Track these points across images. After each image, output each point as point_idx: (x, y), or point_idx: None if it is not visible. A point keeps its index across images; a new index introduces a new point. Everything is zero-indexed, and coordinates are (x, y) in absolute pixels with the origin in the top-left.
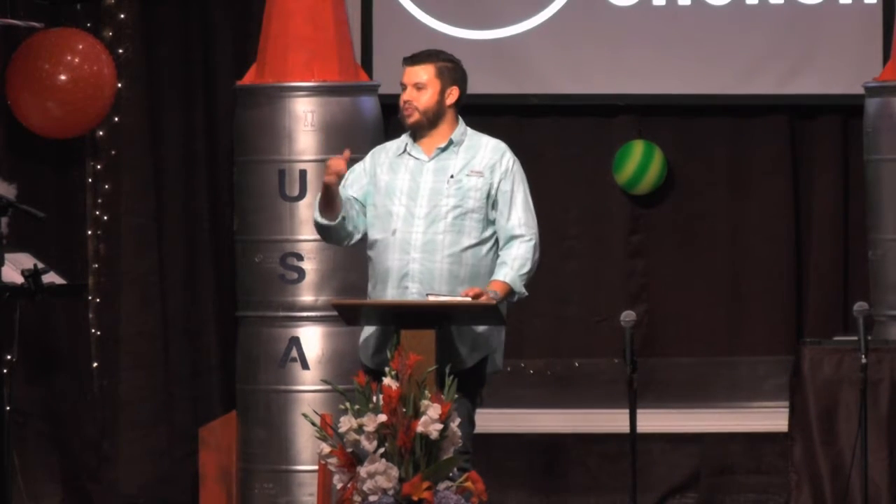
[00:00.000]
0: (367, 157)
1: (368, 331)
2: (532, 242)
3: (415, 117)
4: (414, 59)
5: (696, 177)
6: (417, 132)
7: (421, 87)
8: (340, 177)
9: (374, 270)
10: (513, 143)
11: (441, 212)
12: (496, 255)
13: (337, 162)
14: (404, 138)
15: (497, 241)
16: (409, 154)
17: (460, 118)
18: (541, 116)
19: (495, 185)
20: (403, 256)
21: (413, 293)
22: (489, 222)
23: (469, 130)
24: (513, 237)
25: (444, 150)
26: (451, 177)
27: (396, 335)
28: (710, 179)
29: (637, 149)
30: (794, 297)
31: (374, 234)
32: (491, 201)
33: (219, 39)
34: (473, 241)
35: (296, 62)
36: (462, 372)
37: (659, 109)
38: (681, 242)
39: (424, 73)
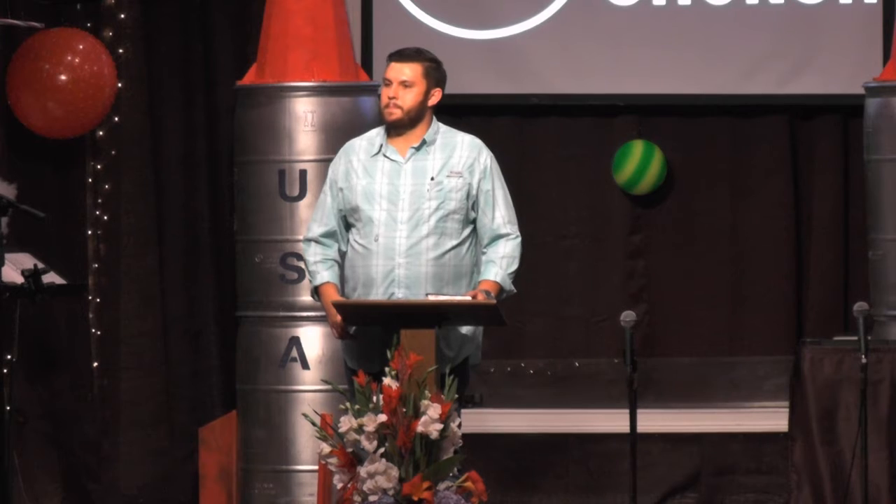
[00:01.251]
0: (339, 162)
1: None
2: (518, 240)
3: (397, 115)
4: (402, 56)
5: (696, 177)
6: (393, 130)
7: (408, 86)
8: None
9: (355, 274)
10: (513, 143)
11: (424, 215)
12: (474, 254)
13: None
14: (376, 138)
15: (473, 240)
16: (385, 156)
17: (434, 117)
18: (541, 116)
19: (475, 185)
20: (388, 262)
21: (399, 298)
22: (468, 222)
23: (442, 128)
24: (499, 236)
25: (417, 149)
26: (432, 179)
27: (397, 335)
28: (710, 179)
29: (637, 149)
30: (794, 297)
31: (353, 240)
32: (471, 201)
33: (219, 39)
34: (455, 242)
35: (296, 62)
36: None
37: (659, 109)
38: (681, 242)
39: (412, 72)
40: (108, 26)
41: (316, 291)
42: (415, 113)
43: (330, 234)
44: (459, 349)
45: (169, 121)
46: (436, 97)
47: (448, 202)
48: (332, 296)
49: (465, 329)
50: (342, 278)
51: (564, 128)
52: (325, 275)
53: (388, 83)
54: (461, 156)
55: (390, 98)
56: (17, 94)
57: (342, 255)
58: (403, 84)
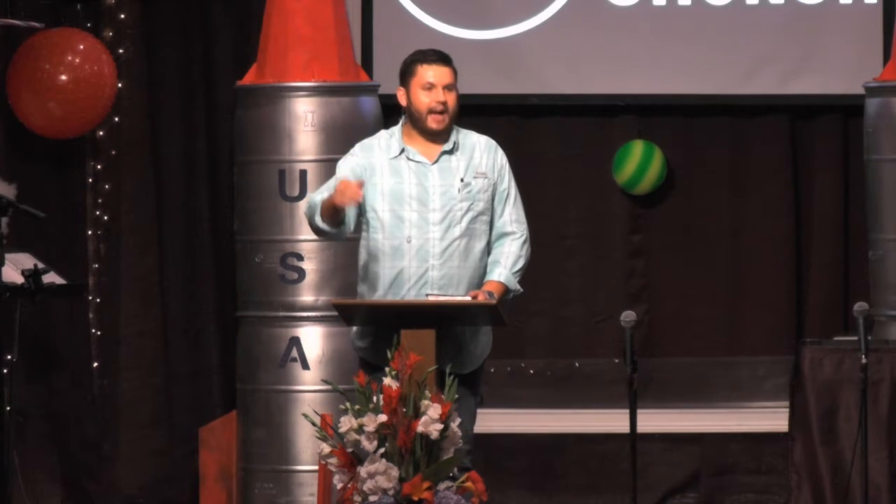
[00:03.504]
0: (360, 155)
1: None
2: (522, 239)
3: (445, 122)
4: (443, 59)
5: (696, 177)
6: (422, 134)
7: (451, 89)
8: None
9: (380, 275)
10: (513, 143)
11: (456, 216)
12: None
13: (354, 191)
14: (392, 140)
15: None
16: (408, 158)
17: None
18: (541, 116)
19: (495, 184)
20: (422, 264)
21: (434, 297)
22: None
23: (457, 128)
24: (504, 234)
25: (449, 153)
26: (461, 180)
27: (396, 335)
28: (710, 179)
29: (637, 149)
30: (794, 297)
31: (380, 239)
32: (492, 201)
33: (219, 39)
34: (484, 244)
35: (296, 62)
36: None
37: (659, 109)
38: (681, 242)
39: (452, 75)
40: (108, 26)
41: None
42: (455, 117)
43: None
44: (484, 349)
45: (169, 121)
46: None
47: (477, 203)
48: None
49: (485, 329)
50: (356, 281)
51: (564, 128)
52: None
53: (429, 87)
54: (482, 156)
55: (440, 102)
56: (17, 94)
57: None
58: (448, 88)
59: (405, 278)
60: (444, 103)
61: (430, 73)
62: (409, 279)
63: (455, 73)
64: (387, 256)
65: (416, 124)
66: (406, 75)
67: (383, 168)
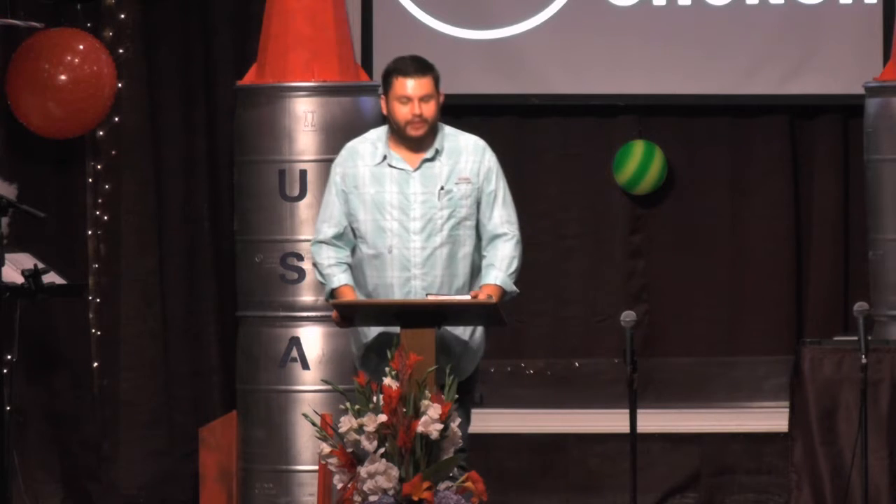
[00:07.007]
0: (345, 165)
1: (365, 345)
2: (515, 239)
3: (423, 130)
4: (417, 71)
5: (696, 177)
6: (404, 140)
7: (429, 99)
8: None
9: (366, 282)
10: (513, 143)
11: (437, 225)
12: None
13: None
14: (378, 143)
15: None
16: (390, 165)
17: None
18: (541, 116)
19: (480, 187)
20: (403, 273)
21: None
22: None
23: (445, 130)
24: (496, 236)
25: (430, 160)
26: (442, 188)
27: (396, 336)
28: (710, 179)
29: (637, 149)
30: (794, 297)
31: (364, 249)
32: (477, 204)
33: (219, 39)
34: (469, 249)
35: (296, 62)
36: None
37: (659, 109)
38: (681, 242)
39: (430, 85)
40: (108, 26)
41: (331, 295)
42: (434, 123)
43: (341, 236)
44: (475, 357)
45: (169, 121)
46: (442, 102)
47: (459, 209)
48: (351, 298)
49: (477, 336)
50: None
51: (564, 128)
52: (341, 277)
53: (405, 100)
54: (467, 160)
55: (416, 115)
56: (17, 94)
57: (353, 256)
58: (425, 99)
59: (388, 287)
60: (420, 115)
61: (407, 86)
62: (394, 289)
63: (435, 79)
64: (370, 266)
65: (397, 133)
66: (385, 85)
67: (366, 177)
